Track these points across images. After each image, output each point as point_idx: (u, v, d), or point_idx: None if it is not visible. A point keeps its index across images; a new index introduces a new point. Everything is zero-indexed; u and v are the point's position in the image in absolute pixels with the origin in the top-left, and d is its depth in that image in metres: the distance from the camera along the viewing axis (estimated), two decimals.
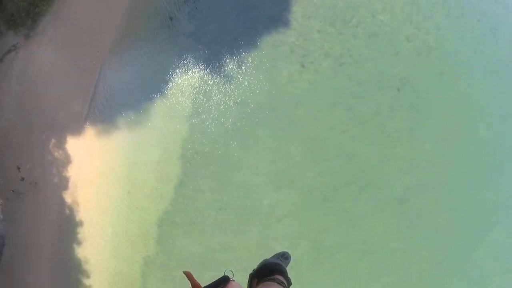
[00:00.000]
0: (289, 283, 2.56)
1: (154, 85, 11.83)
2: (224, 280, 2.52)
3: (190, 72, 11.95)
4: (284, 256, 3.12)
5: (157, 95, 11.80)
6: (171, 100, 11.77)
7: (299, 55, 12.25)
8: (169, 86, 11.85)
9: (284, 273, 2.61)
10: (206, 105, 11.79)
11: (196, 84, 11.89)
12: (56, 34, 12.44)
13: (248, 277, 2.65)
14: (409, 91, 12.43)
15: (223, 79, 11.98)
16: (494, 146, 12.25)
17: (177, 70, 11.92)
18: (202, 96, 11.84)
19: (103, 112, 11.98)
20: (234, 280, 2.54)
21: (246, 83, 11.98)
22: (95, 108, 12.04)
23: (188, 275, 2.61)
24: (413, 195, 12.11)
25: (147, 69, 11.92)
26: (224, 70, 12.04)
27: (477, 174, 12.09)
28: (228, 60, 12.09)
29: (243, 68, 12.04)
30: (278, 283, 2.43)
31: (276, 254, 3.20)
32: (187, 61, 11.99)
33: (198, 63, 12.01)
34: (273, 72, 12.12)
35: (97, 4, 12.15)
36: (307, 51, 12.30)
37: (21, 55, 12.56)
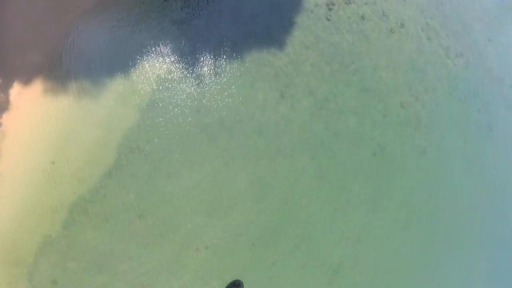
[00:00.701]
0: None
1: (119, 61, 10.79)
2: None
3: (161, 61, 10.90)
4: (236, 284, 3.26)
5: (118, 73, 10.75)
6: (130, 83, 10.71)
7: (282, 83, 11.18)
8: (134, 68, 10.80)
9: None
10: (165, 102, 10.71)
11: (163, 76, 10.82)
12: None
13: None
14: (384, 160, 11.29)
15: (193, 81, 10.91)
16: (450, 249, 11.04)
17: (149, 54, 10.89)
18: (164, 90, 10.76)
19: (59, 72, 10.93)
20: None
21: (215, 93, 10.91)
22: (53, 64, 11.01)
23: None
24: (350, 270, 10.92)
25: (118, 43, 10.88)
26: (198, 72, 10.98)
27: (423, 271, 10.87)
28: (205, 62, 11.04)
29: (218, 76, 10.98)
30: None
31: (228, 284, 3.36)
32: (163, 48, 10.95)
33: (173, 55, 10.97)
34: (248, 91, 11.05)
35: None
36: (292, 82, 11.22)
37: None
